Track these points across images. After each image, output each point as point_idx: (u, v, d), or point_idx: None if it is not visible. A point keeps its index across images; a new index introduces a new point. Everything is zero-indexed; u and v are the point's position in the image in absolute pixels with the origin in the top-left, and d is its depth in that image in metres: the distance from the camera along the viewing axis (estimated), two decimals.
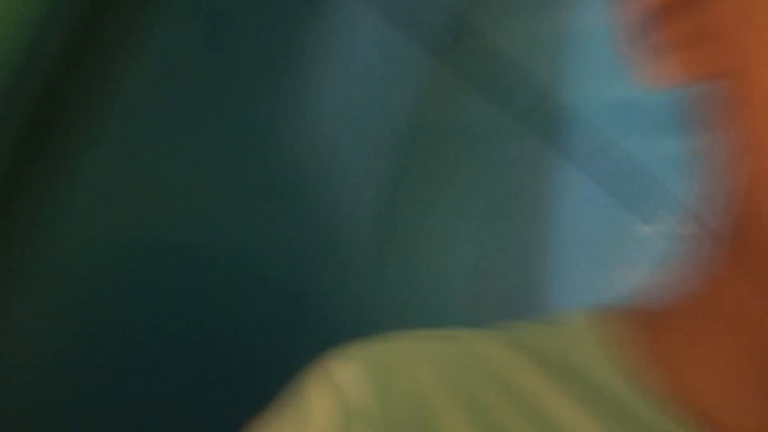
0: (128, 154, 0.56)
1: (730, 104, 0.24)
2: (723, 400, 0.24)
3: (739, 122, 0.24)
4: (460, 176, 0.78)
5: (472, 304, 0.77)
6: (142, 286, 0.56)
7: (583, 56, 0.90)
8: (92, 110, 0.56)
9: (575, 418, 0.24)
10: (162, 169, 0.57)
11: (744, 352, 0.24)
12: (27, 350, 0.54)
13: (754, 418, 0.24)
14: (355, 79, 0.66)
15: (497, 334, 0.28)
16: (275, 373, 0.34)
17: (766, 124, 0.23)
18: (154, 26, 0.55)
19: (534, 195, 0.90)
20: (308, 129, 0.66)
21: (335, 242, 0.66)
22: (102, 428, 0.53)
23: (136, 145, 0.56)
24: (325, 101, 0.66)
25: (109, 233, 0.55)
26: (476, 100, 0.79)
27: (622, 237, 1.03)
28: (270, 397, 0.27)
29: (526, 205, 0.89)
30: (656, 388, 0.25)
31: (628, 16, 0.26)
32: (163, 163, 0.57)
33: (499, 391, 0.25)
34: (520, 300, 0.87)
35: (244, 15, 0.60)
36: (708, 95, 0.25)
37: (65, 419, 0.53)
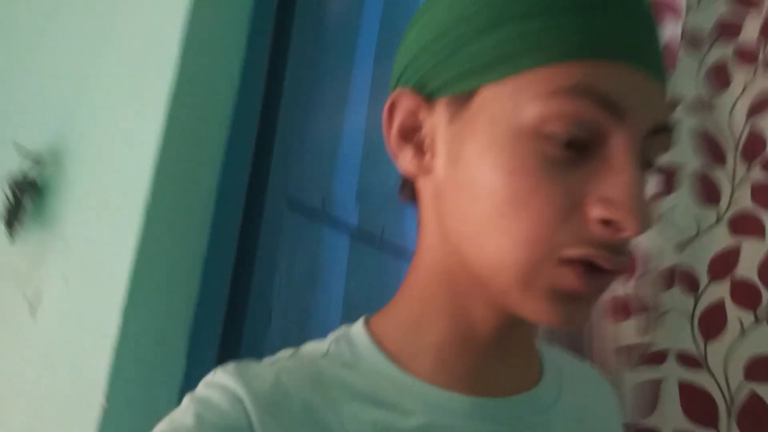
0: None
1: (435, 193, 0.42)
2: (419, 355, 0.43)
3: (437, 203, 0.42)
4: None
5: None
6: None
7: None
8: None
9: (355, 407, 0.40)
10: None
11: (428, 318, 0.43)
12: None
13: (437, 358, 0.43)
14: None
15: (318, 348, 0.44)
16: None
17: (446, 214, 0.41)
18: None
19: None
20: None
21: None
22: None
23: None
24: None
25: None
26: None
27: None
28: None
29: None
30: (406, 365, 0.42)
31: (387, 135, 0.43)
32: None
33: (316, 382, 0.40)
34: None
35: None
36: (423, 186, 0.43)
37: None
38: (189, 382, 0.66)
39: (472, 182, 0.39)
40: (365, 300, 0.97)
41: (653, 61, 0.38)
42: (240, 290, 0.72)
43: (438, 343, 0.43)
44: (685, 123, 0.76)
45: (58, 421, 0.61)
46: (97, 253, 0.66)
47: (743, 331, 0.69)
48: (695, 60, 0.80)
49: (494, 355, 0.44)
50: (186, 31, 0.70)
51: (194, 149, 0.71)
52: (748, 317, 0.68)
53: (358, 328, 0.45)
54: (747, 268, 0.71)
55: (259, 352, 0.72)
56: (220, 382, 0.39)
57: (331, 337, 0.45)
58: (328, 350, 0.44)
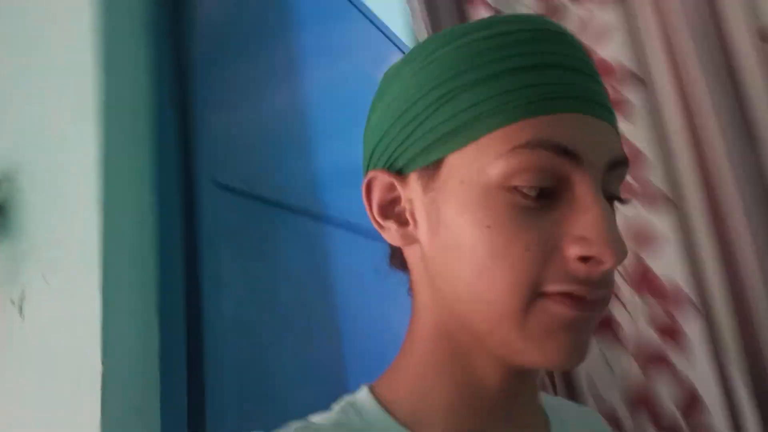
0: None
1: (422, 259, 0.45)
2: (427, 413, 0.45)
3: (426, 274, 0.46)
4: None
5: None
6: None
7: None
8: None
9: None
10: None
11: (432, 375, 0.45)
12: None
13: (445, 415, 0.44)
14: None
15: (328, 418, 0.46)
16: None
17: (438, 282, 0.44)
18: None
19: None
20: None
21: None
22: None
23: None
24: None
25: None
26: None
27: None
28: None
29: None
30: (403, 418, 0.44)
31: (369, 214, 0.47)
32: None
33: None
34: None
35: None
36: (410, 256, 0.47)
37: None
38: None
39: (455, 244, 0.41)
40: (307, 272, 1.11)
41: (598, 105, 0.41)
42: (192, 272, 0.86)
43: (447, 405, 0.44)
44: None
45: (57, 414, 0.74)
46: (67, 252, 0.78)
47: None
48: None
49: (503, 412, 0.45)
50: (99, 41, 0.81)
51: (129, 147, 0.83)
52: None
53: (364, 396, 0.47)
54: None
55: (218, 325, 0.88)
56: None
57: (336, 407, 0.47)
58: (338, 421, 0.45)
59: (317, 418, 0.46)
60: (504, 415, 0.45)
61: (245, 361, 0.99)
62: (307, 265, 1.10)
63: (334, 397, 0.49)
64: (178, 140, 0.89)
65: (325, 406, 0.48)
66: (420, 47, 0.45)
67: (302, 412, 0.47)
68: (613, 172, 0.41)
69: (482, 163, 0.40)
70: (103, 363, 0.71)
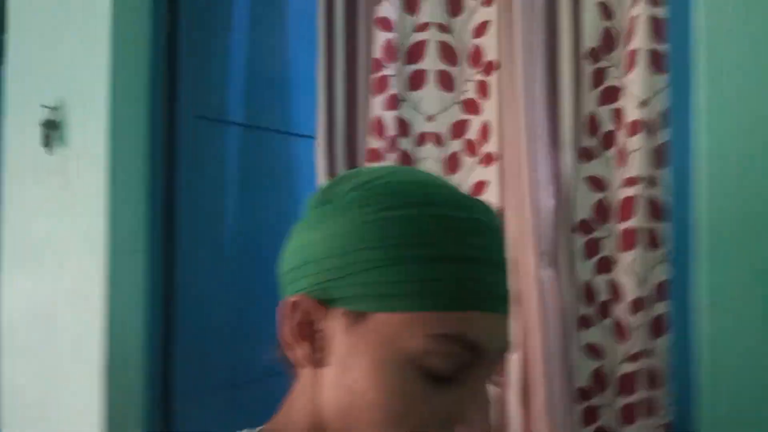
0: None
1: (316, 384, 0.47)
2: None
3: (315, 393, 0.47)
4: None
5: None
6: None
7: None
8: None
9: None
10: None
11: None
12: None
13: None
14: None
15: None
16: None
17: (323, 407, 0.46)
18: None
19: None
20: None
21: None
22: None
23: None
24: None
25: None
26: None
27: None
28: None
29: None
30: None
31: (283, 329, 0.47)
32: None
33: None
34: None
35: None
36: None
37: None
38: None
39: (359, 393, 0.43)
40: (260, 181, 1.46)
41: (503, 301, 0.46)
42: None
43: None
44: (433, 38, 1.15)
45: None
46: (97, 159, 1.24)
47: None
48: None
49: None
50: None
51: (131, 89, 1.25)
52: None
53: None
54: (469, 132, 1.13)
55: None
56: None
57: None
58: None
59: None
60: None
61: (218, 284, 1.36)
62: (277, 177, 1.50)
63: None
64: (165, 81, 1.29)
65: None
66: (377, 196, 0.45)
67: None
68: (499, 357, 0.46)
69: (405, 334, 0.42)
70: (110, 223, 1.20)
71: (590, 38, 1.03)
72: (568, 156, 1.02)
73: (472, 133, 1.13)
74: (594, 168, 1.05)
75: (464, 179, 1.12)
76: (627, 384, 0.98)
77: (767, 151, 0.89)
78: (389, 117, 1.12)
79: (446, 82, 1.15)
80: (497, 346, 0.45)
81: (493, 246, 0.45)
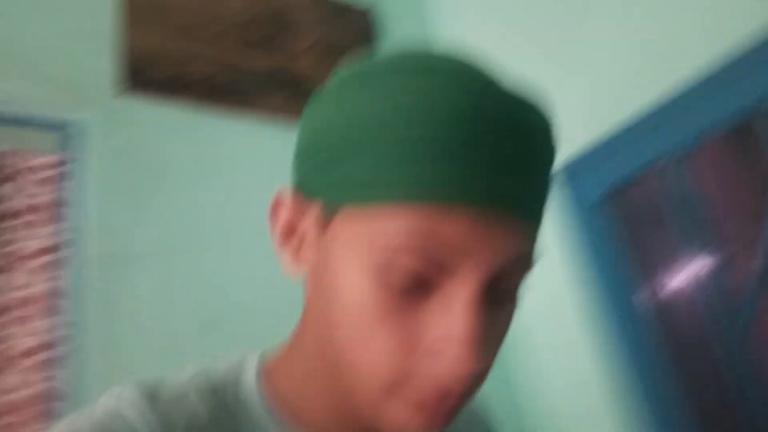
0: None
1: (315, 286, 0.42)
2: (310, 410, 0.45)
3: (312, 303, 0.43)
4: None
5: None
6: None
7: None
8: None
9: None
10: None
11: (313, 381, 0.44)
12: None
13: (326, 417, 0.44)
14: None
15: (206, 383, 0.45)
16: None
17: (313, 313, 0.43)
18: None
19: None
20: None
21: None
22: None
23: None
24: None
25: None
26: None
27: None
28: None
29: None
30: (276, 408, 0.45)
31: (272, 233, 0.44)
32: None
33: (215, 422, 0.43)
34: None
35: None
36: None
37: None
38: None
39: (333, 302, 0.39)
40: None
41: (507, 198, 0.37)
42: None
43: (321, 406, 0.44)
44: None
45: None
46: None
47: None
48: None
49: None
50: None
51: None
52: None
53: (250, 378, 0.47)
54: None
55: None
56: (127, 413, 0.40)
57: (225, 368, 0.48)
58: (228, 389, 0.45)
59: (206, 379, 0.46)
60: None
61: None
62: None
63: None
64: None
65: None
66: (355, 74, 0.40)
67: None
68: (507, 269, 0.38)
69: (371, 231, 0.37)
70: None
71: None
72: None
73: None
74: None
75: None
76: None
77: None
78: None
79: None
80: (490, 254, 0.36)
81: (492, 130, 0.36)
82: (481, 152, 0.36)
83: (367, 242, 0.37)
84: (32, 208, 1.61)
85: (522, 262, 0.39)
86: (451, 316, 0.36)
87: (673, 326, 1.55)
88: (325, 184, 0.40)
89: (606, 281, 1.62)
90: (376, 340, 0.37)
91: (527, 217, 0.38)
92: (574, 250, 1.68)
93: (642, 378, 1.53)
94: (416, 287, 0.37)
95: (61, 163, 1.39)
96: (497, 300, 0.39)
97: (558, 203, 1.71)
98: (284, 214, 0.43)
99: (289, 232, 0.43)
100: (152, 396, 0.42)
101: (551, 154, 0.40)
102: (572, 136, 1.63)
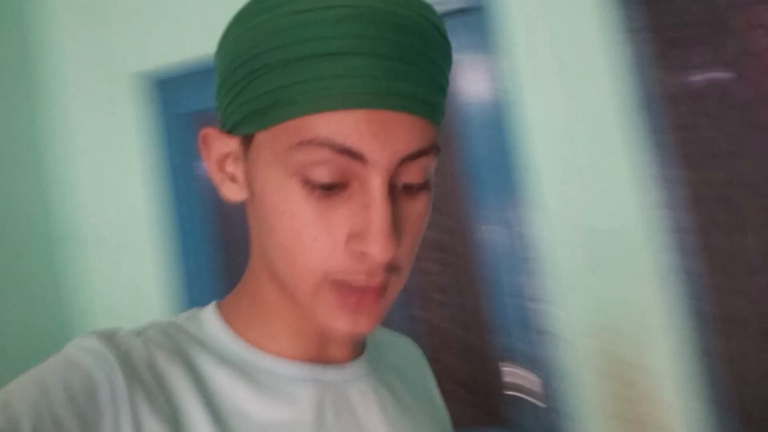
0: None
1: (251, 214, 0.46)
2: (279, 340, 0.48)
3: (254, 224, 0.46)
4: None
5: None
6: None
7: None
8: None
9: (214, 368, 0.45)
10: None
11: (265, 303, 0.48)
12: None
13: (291, 342, 0.48)
14: None
15: (169, 324, 0.48)
16: None
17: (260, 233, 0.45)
18: None
19: None
20: None
21: None
22: None
23: None
24: None
25: None
26: None
27: None
28: None
29: None
30: (249, 340, 0.48)
31: (207, 167, 0.47)
32: None
33: (173, 355, 0.44)
34: None
35: None
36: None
37: None
38: None
39: (263, 219, 0.43)
40: None
41: (398, 96, 0.39)
42: None
43: (277, 327, 0.48)
44: None
45: None
46: None
47: None
48: None
49: (323, 333, 0.50)
50: None
51: None
52: None
53: (210, 311, 0.50)
54: None
55: None
56: (89, 346, 0.42)
57: (183, 316, 0.50)
58: (184, 327, 0.48)
59: (158, 325, 0.48)
60: (323, 336, 0.50)
61: None
62: None
63: None
64: None
65: None
66: (249, 5, 0.43)
67: None
68: (411, 164, 0.41)
69: (279, 150, 0.40)
70: None
71: None
72: None
73: None
74: None
75: None
76: None
77: None
78: None
79: None
80: (390, 151, 0.40)
81: (382, 34, 0.39)
82: (367, 59, 0.39)
83: (282, 158, 0.40)
84: None
85: (423, 153, 0.42)
86: (364, 211, 0.40)
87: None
88: (236, 118, 0.43)
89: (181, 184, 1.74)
90: (305, 239, 0.41)
91: (420, 113, 0.41)
92: (157, 156, 1.75)
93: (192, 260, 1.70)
94: (331, 194, 0.40)
95: None
96: (410, 193, 0.43)
97: (147, 112, 1.76)
98: (216, 149, 0.46)
99: (221, 163, 0.47)
100: (108, 335, 0.44)
101: (441, 51, 0.43)
102: (169, 51, 1.72)
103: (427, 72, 0.41)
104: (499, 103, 1.47)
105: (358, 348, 0.54)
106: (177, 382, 0.43)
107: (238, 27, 0.43)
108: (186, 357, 0.45)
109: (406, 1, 0.41)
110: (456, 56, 1.35)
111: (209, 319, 0.49)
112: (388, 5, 0.40)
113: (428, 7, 0.43)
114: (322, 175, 0.39)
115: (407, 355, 0.62)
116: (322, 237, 0.40)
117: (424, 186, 0.44)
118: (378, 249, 0.39)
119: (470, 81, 1.50)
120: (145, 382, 0.41)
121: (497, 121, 1.47)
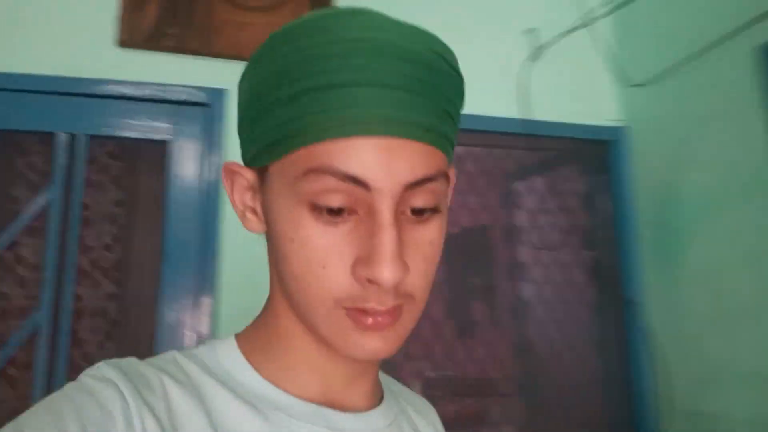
0: None
1: (269, 246, 0.47)
2: (296, 377, 0.48)
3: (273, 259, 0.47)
4: None
5: None
6: None
7: None
8: None
9: (226, 402, 0.45)
10: None
11: (294, 352, 0.48)
12: None
13: (308, 380, 0.48)
14: None
15: (184, 355, 0.48)
16: None
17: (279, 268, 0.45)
18: None
19: None
20: None
21: None
22: None
23: None
24: None
25: None
26: None
27: None
28: None
29: None
30: (265, 374, 0.47)
31: (231, 200, 0.48)
32: None
33: (182, 383, 0.44)
34: None
35: None
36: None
37: None
38: None
39: (278, 248, 0.44)
40: None
41: (401, 124, 0.40)
42: None
43: (295, 362, 0.48)
44: None
45: None
46: None
47: None
48: None
49: (342, 374, 0.49)
50: None
51: None
52: None
53: (230, 344, 0.50)
54: None
55: None
56: (103, 375, 0.42)
57: (201, 348, 0.50)
58: (199, 357, 0.48)
59: (171, 356, 0.48)
60: (342, 378, 0.49)
61: None
62: None
63: None
64: None
65: None
66: (261, 47, 0.45)
67: None
68: (418, 189, 0.42)
69: (289, 179, 0.42)
70: None
71: None
72: None
73: None
74: None
75: None
76: None
77: None
78: None
79: None
80: (395, 178, 0.40)
81: (384, 65, 0.40)
82: (371, 89, 0.40)
83: (291, 187, 0.42)
84: None
85: (429, 179, 0.42)
86: (371, 238, 0.40)
87: None
88: (252, 152, 0.45)
89: None
90: (314, 266, 0.41)
91: (425, 140, 0.42)
92: None
93: None
94: (339, 220, 0.41)
95: None
96: (420, 219, 0.43)
97: None
98: (237, 179, 0.48)
99: (242, 195, 0.48)
100: (121, 366, 0.44)
101: (449, 79, 0.44)
102: None
103: (432, 99, 0.42)
104: (208, 191, 1.66)
105: (376, 397, 0.53)
106: (188, 416, 0.43)
107: (252, 68, 0.45)
108: (198, 389, 0.45)
109: (411, 33, 0.42)
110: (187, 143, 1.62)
111: (226, 351, 0.49)
112: (392, 37, 0.41)
113: (434, 39, 0.44)
114: (330, 201, 0.40)
115: (426, 413, 0.62)
116: (331, 264, 0.41)
117: (434, 211, 0.44)
118: (383, 273, 0.39)
119: (184, 166, 1.69)
120: (157, 414, 0.41)
121: (203, 207, 1.64)
